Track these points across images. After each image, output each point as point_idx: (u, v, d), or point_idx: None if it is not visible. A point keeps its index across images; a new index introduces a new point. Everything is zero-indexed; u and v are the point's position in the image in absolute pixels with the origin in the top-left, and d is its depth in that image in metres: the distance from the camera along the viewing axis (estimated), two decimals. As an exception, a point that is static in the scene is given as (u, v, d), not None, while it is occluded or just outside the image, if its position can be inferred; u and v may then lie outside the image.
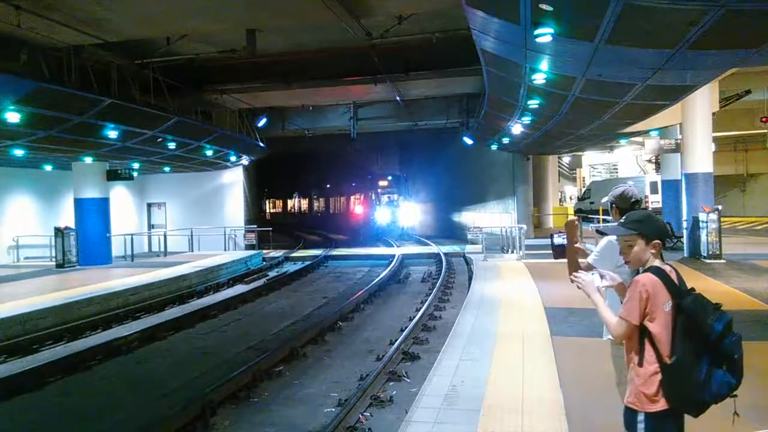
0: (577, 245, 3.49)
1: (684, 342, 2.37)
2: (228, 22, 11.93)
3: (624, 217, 2.74)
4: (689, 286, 2.60)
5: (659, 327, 2.43)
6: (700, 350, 2.34)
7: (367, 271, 18.19)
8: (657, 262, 2.56)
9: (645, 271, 2.55)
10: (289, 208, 55.98)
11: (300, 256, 21.81)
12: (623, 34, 6.07)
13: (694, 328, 2.35)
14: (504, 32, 7.53)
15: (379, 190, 32.83)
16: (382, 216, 31.54)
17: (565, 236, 3.55)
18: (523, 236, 16.05)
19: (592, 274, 2.75)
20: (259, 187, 36.92)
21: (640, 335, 2.49)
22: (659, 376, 2.42)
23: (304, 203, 52.03)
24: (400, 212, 31.90)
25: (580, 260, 3.44)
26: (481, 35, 8.30)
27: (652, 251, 2.58)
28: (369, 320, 11.08)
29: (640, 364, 2.48)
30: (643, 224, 2.62)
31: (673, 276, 2.53)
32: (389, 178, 33.44)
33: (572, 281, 2.77)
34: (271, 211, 58.47)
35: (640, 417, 2.47)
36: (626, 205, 3.31)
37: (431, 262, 19.31)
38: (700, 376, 2.33)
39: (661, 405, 2.42)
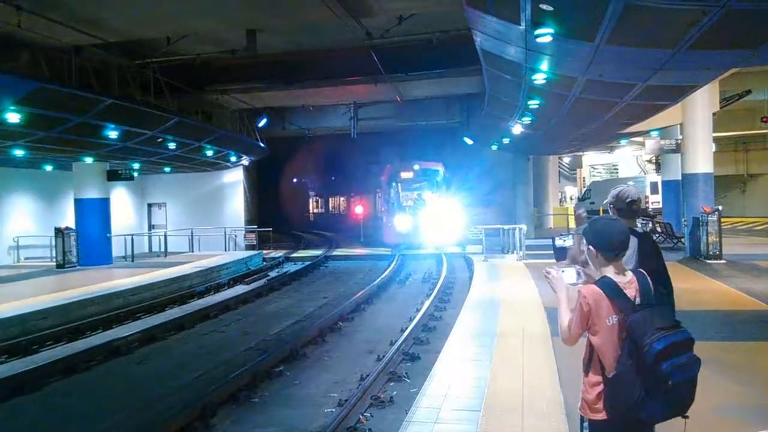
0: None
1: (627, 359, 2.31)
2: (228, 22, 11.94)
3: None
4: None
5: (601, 341, 2.39)
6: (640, 369, 2.27)
7: (368, 271, 18.19)
8: (610, 272, 2.46)
9: (595, 281, 2.48)
10: (330, 207, 50.13)
11: (300, 257, 21.83)
12: (623, 34, 6.07)
13: (635, 346, 2.27)
14: (504, 32, 7.53)
15: (399, 184, 23.54)
16: (402, 222, 22.13)
17: (565, 239, 3.57)
18: (523, 236, 16.05)
19: (563, 271, 2.64)
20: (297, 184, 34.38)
21: (588, 346, 2.46)
22: (601, 387, 2.40)
23: (343, 202, 46.41)
24: (435, 216, 21.67)
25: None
26: (481, 35, 8.31)
27: (600, 261, 2.50)
28: (369, 320, 11.08)
29: (586, 373, 2.48)
30: (585, 233, 2.56)
31: (630, 288, 2.43)
32: (415, 167, 23.52)
33: (544, 276, 2.69)
34: (314, 211, 52.13)
35: (585, 424, 2.50)
36: (623, 205, 3.29)
37: (431, 263, 19.30)
38: (637, 394, 2.27)
39: (602, 415, 2.40)
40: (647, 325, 2.27)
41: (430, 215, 22.00)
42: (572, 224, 23.99)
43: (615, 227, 2.51)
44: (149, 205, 26.40)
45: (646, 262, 2.90)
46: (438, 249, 20.60)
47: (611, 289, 2.39)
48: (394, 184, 23.74)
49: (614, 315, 2.37)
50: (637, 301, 2.40)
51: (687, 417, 2.31)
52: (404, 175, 23.77)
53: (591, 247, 2.51)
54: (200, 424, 5.92)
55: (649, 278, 2.51)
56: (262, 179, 29.29)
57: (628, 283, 2.44)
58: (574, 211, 3.68)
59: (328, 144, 30.87)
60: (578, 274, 2.63)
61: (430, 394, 5.22)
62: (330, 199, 49.19)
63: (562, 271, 2.62)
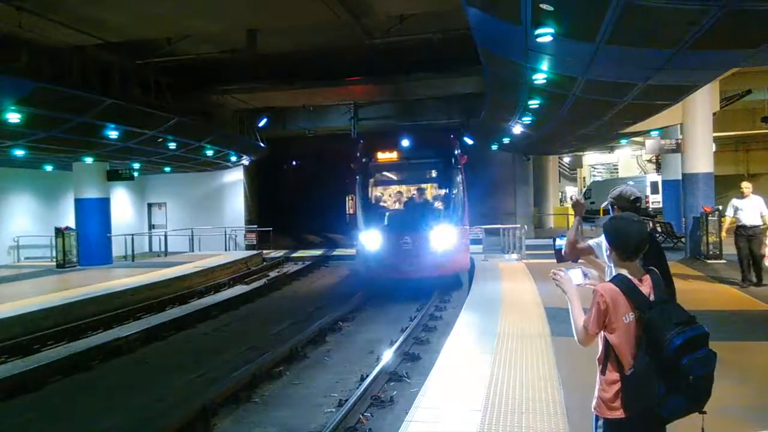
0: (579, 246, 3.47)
1: (644, 355, 2.32)
2: (229, 22, 11.94)
3: None
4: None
5: (619, 338, 2.39)
6: (659, 365, 2.28)
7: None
8: (624, 270, 2.48)
9: (610, 279, 2.51)
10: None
11: (300, 257, 21.84)
12: (624, 34, 6.07)
13: (653, 342, 2.29)
14: (504, 32, 7.53)
15: (376, 175, 14.40)
16: (373, 242, 12.75)
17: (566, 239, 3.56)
18: (523, 236, 16.05)
19: (571, 270, 2.68)
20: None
21: (605, 344, 2.47)
22: (618, 385, 2.41)
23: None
24: (441, 235, 12.53)
25: (583, 243, 3.39)
26: (481, 35, 8.31)
27: (614, 258, 2.53)
28: (369, 320, 11.07)
29: (603, 371, 2.48)
30: (605, 229, 2.59)
31: (645, 286, 2.46)
32: (404, 142, 13.44)
33: (552, 278, 2.71)
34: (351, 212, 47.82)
35: (600, 422, 2.49)
36: (627, 204, 3.30)
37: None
38: (657, 391, 2.28)
39: (619, 413, 2.40)
40: (665, 321, 2.29)
41: (433, 234, 12.35)
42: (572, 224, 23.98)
43: (635, 229, 2.51)
44: (149, 205, 26.42)
45: (649, 261, 2.91)
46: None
47: (627, 287, 2.41)
48: (366, 174, 13.64)
49: (631, 312, 2.39)
50: (652, 297, 2.42)
51: (704, 412, 2.32)
52: (383, 157, 13.34)
53: (608, 244, 2.54)
54: (200, 424, 5.93)
55: (660, 275, 2.53)
56: (268, 179, 29.09)
57: (642, 280, 2.47)
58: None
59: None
60: (584, 274, 2.68)
61: (430, 394, 5.22)
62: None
63: (568, 272, 2.65)
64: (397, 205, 14.82)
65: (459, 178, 13.34)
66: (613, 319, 2.39)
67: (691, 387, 2.24)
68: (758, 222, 9.59)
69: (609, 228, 2.56)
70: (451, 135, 15.23)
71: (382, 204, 14.72)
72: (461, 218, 13.27)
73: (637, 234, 2.49)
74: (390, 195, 15.52)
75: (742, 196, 9.80)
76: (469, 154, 24.62)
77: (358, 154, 13.74)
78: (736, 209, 9.79)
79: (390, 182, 15.63)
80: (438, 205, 14.07)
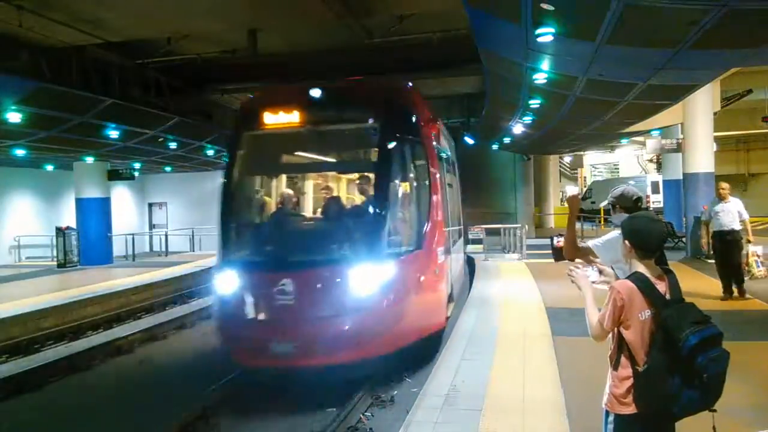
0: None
1: (659, 352, 2.35)
2: (229, 22, 11.93)
3: None
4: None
5: (633, 335, 2.43)
6: (673, 363, 2.31)
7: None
8: (641, 268, 2.51)
9: (628, 276, 2.54)
10: None
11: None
12: (624, 33, 6.07)
13: (669, 340, 2.32)
14: (505, 32, 7.52)
15: (252, 157, 7.73)
16: (231, 285, 6.59)
17: (562, 240, 3.57)
18: (524, 236, 16.05)
19: (592, 268, 2.75)
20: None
21: (618, 340, 2.50)
22: (631, 381, 2.44)
23: None
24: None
25: (583, 243, 3.42)
26: (481, 35, 8.31)
27: (633, 256, 2.56)
28: None
29: (615, 367, 2.52)
30: (624, 227, 2.63)
31: (661, 284, 2.49)
32: (313, 92, 7.02)
33: (567, 274, 2.76)
34: None
35: (610, 418, 2.54)
36: (629, 204, 3.30)
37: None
38: (670, 388, 2.31)
39: (631, 409, 2.44)
40: (681, 320, 2.33)
41: (354, 272, 6.21)
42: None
43: (655, 229, 2.58)
44: (150, 205, 26.44)
45: None
46: None
47: (644, 284, 2.45)
48: (237, 153, 7.73)
49: (647, 309, 2.42)
50: (668, 296, 2.47)
51: (715, 410, 2.36)
52: (271, 121, 7.20)
53: (627, 242, 2.57)
54: (201, 424, 5.92)
55: (676, 276, 2.58)
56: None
57: (658, 278, 2.50)
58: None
59: None
60: (599, 272, 2.77)
61: (431, 393, 5.22)
62: None
63: (592, 269, 2.78)
64: (295, 211, 8.26)
65: (419, 161, 7.39)
66: (629, 315, 2.43)
67: (704, 385, 2.28)
68: (736, 226, 8.74)
69: (630, 227, 2.60)
70: (408, 84, 8.44)
71: (260, 209, 8.44)
72: (422, 235, 7.03)
73: (657, 233, 2.57)
74: (283, 192, 8.39)
75: (719, 199, 8.95)
76: (470, 153, 24.57)
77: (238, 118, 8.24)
78: (712, 214, 9.05)
79: (282, 168, 8.85)
80: (370, 210, 6.98)
